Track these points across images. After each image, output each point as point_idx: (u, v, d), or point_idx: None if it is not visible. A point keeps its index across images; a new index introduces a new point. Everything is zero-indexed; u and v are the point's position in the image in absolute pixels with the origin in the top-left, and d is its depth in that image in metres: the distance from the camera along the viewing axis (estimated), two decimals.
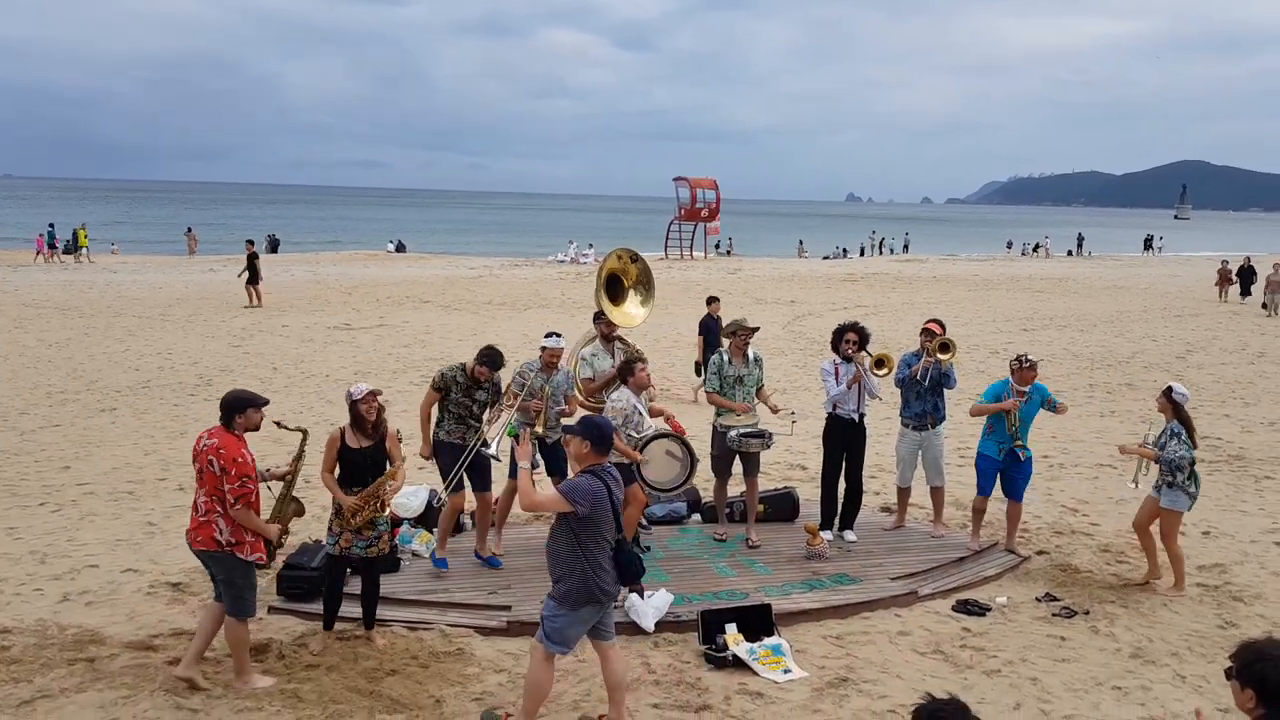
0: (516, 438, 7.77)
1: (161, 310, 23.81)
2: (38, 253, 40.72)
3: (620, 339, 8.62)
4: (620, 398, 7.58)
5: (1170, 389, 7.55)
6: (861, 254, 61.01)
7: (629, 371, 7.63)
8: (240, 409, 5.76)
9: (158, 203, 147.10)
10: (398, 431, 6.48)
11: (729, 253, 54.02)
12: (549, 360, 7.69)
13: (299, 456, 6.24)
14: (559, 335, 7.77)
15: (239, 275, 25.77)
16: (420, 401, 7.77)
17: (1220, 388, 16.28)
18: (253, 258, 25.22)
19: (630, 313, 8.97)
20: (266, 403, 5.93)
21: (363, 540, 6.29)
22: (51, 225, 42.98)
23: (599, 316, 8.72)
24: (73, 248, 40.81)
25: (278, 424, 6.42)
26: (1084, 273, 43.51)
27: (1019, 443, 7.95)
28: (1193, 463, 7.41)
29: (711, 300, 14.59)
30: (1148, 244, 66.65)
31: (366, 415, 6.23)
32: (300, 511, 6.23)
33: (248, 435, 5.79)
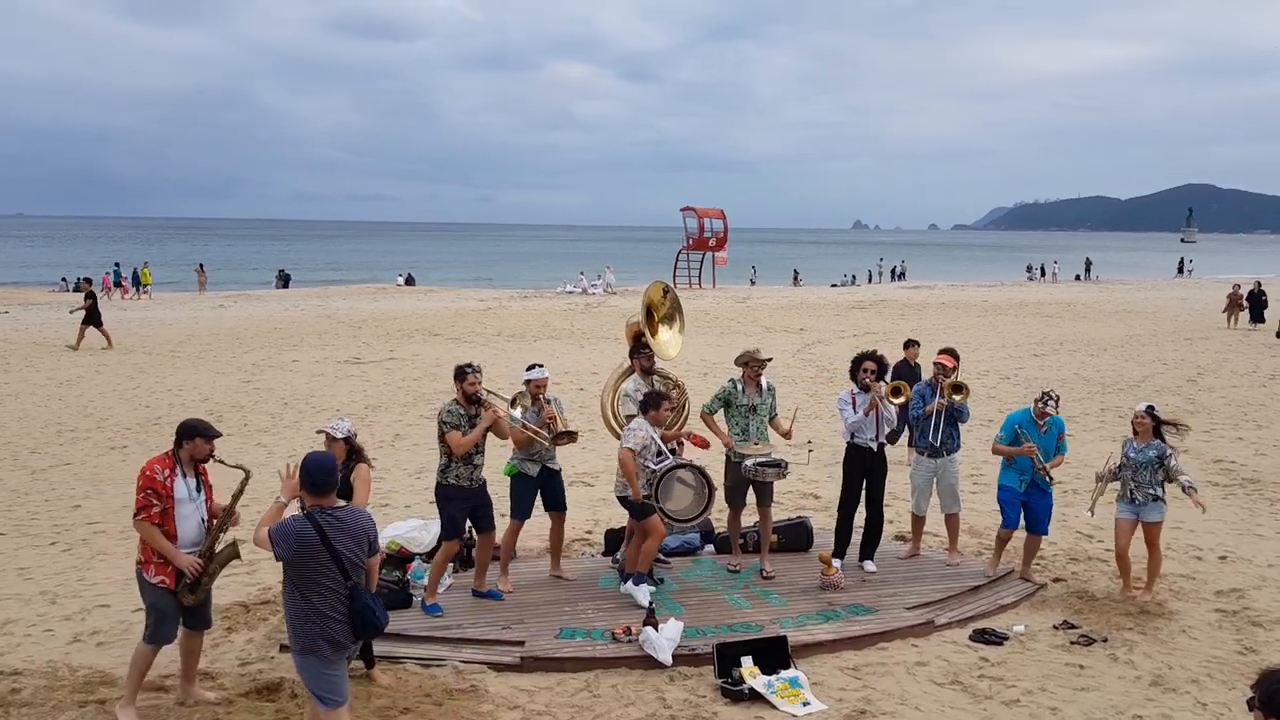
0: (515, 475, 7.79)
1: (172, 347, 23.91)
2: (106, 290, 42.69)
3: (660, 372, 8.52)
4: (639, 427, 7.57)
5: (1151, 408, 7.90)
6: (870, 280, 61.23)
7: (653, 405, 7.63)
8: (189, 436, 5.81)
9: (167, 239, 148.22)
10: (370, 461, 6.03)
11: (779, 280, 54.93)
12: (535, 391, 7.79)
13: (237, 495, 6.00)
14: (541, 365, 7.96)
15: (71, 312, 25.21)
16: (455, 442, 7.22)
17: (1232, 410, 16.19)
18: (90, 296, 24.62)
19: (664, 340, 8.77)
20: (217, 435, 5.93)
21: None
22: (117, 264, 47.33)
23: (636, 351, 8.44)
24: (139, 284, 44.23)
25: (219, 460, 6.06)
26: (1093, 297, 43.49)
27: (1041, 471, 7.98)
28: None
29: (909, 344, 12.71)
30: (1180, 267, 70.92)
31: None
32: (234, 554, 5.97)
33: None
